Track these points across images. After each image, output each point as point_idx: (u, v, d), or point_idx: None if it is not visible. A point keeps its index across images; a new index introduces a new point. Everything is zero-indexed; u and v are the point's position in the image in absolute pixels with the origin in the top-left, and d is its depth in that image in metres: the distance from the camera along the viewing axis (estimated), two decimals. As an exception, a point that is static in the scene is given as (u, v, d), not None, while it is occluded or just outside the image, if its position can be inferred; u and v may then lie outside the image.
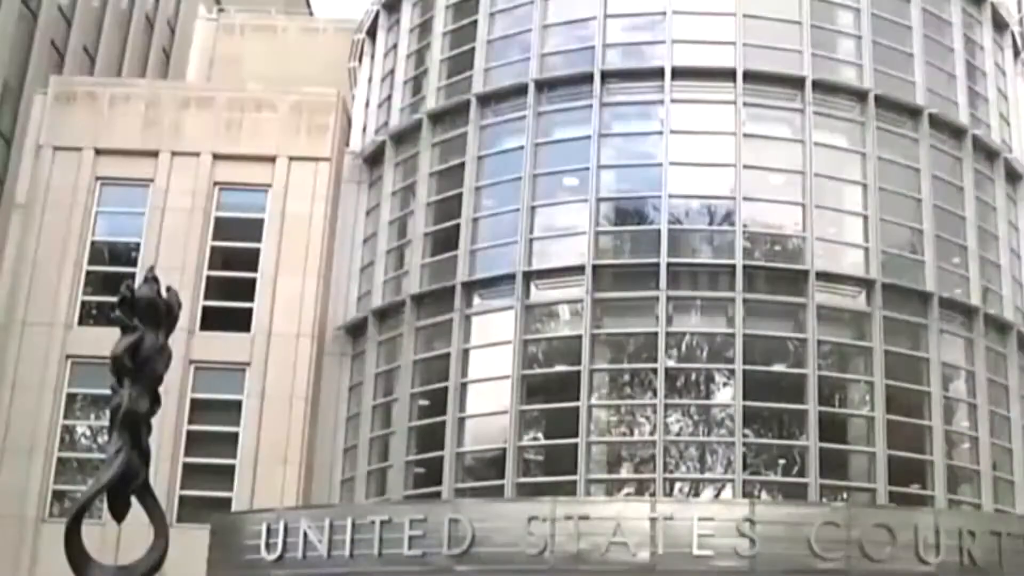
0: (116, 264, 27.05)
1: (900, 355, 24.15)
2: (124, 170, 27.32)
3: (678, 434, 23.24)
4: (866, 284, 24.21)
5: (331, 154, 27.55)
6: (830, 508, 20.54)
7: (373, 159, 28.41)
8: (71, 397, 25.93)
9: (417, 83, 28.24)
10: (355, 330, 27.10)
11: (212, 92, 28.70)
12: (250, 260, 26.87)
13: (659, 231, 23.80)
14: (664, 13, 25.40)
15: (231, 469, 25.37)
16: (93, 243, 26.99)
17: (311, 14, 47.45)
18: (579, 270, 23.85)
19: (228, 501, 25.05)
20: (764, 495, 22.86)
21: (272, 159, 27.32)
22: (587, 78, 25.09)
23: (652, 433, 22.77)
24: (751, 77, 24.71)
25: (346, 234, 27.85)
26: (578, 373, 23.09)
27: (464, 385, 24.32)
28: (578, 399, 22.89)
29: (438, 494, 23.31)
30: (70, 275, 26.40)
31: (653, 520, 18.79)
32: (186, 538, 21.10)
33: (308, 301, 26.40)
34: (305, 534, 20.11)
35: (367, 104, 29.95)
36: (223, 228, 27.17)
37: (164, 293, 12.41)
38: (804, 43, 25.28)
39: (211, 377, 26.12)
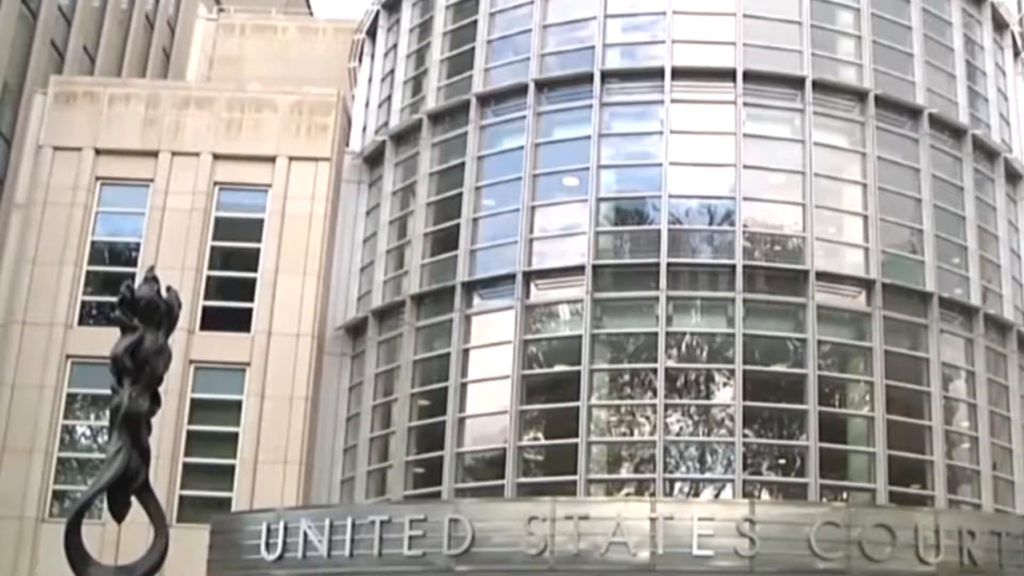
0: (116, 264, 27.05)
1: (900, 355, 24.16)
2: (124, 170, 27.33)
3: (678, 434, 23.24)
4: (866, 284, 24.21)
5: (331, 154, 27.55)
6: (830, 508, 20.54)
7: (373, 159, 28.42)
8: (71, 397, 25.93)
9: (417, 83, 28.24)
10: (355, 330, 27.10)
11: (212, 92, 28.70)
12: (250, 260, 26.88)
13: (659, 231, 23.80)
14: (664, 13, 25.40)
15: (231, 469, 25.38)
16: (93, 243, 26.99)
17: (311, 14, 47.49)
18: (579, 270, 23.85)
19: (228, 501, 25.05)
20: (764, 495, 22.86)
21: (272, 159, 27.33)
22: (587, 78, 25.10)
23: (652, 433, 22.78)
24: (751, 77, 24.71)
25: (346, 234, 27.85)
26: (578, 373, 23.10)
27: (464, 385, 24.32)
28: (578, 399, 22.89)
29: (438, 494, 23.31)
30: (70, 275, 26.40)
31: (653, 520, 18.79)
32: (186, 538, 21.14)
33: (308, 301, 26.40)
34: (305, 534, 20.11)
35: (367, 104, 29.95)
36: (223, 228, 27.17)
37: (164, 293, 12.42)
38: (804, 43, 25.28)
39: (211, 377, 26.13)
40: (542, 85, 25.58)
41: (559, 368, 24.06)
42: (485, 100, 26.19)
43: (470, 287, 24.95)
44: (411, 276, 25.88)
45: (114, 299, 12.46)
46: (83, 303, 26.51)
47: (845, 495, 23.24)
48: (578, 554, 18.75)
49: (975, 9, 28.50)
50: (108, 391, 12.36)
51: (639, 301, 24.00)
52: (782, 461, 23.35)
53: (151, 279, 12.39)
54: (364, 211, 28.16)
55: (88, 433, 26.57)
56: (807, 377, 23.03)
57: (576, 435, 22.66)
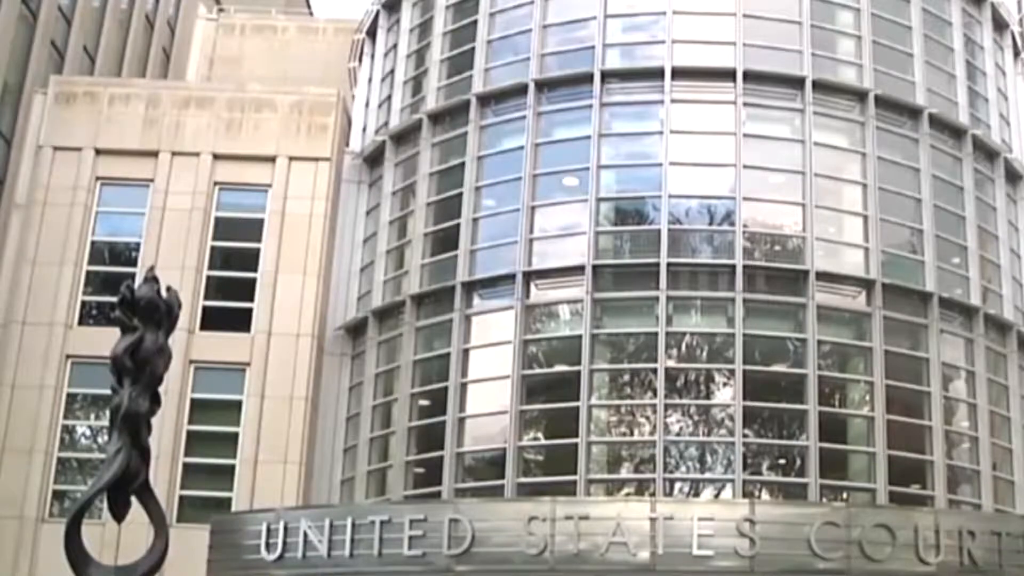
0: (116, 264, 27.05)
1: (900, 355, 24.16)
2: (124, 170, 27.33)
3: (678, 434, 23.24)
4: (866, 284, 24.22)
5: (331, 154, 27.55)
6: (830, 508, 20.54)
7: (373, 159, 28.42)
8: (71, 397, 25.93)
9: (417, 83, 28.25)
10: (355, 330, 27.10)
11: (212, 92, 28.70)
12: (250, 260, 26.88)
13: (659, 231, 23.81)
14: (664, 13, 25.41)
15: (231, 469, 25.37)
16: (93, 243, 26.99)
17: (311, 14, 47.51)
18: (579, 270, 23.86)
19: (228, 501, 25.05)
20: (764, 495, 22.86)
21: (272, 159, 27.33)
22: (587, 78, 25.10)
23: (652, 433, 22.78)
24: (751, 77, 24.72)
25: (346, 234, 27.85)
26: (578, 373, 23.10)
27: (464, 385, 24.32)
28: (578, 399, 22.90)
29: (438, 494, 23.31)
30: (70, 275, 26.40)
31: (653, 520, 18.78)
32: (186, 538, 21.14)
33: (308, 301, 26.40)
34: (305, 534, 20.11)
35: (367, 104, 29.96)
36: (223, 228, 27.17)
37: (164, 293, 12.42)
38: (804, 43, 25.29)
39: (211, 377, 26.13)
40: (542, 85, 25.58)
41: (559, 368, 24.06)
42: (485, 100, 26.19)
43: (470, 287, 24.96)
44: (411, 276, 25.88)
45: (114, 299, 12.45)
46: (83, 303, 26.51)
47: (845, 495, 23.25)
48: (578, 554, 18.75)
49: (975, 9, 28.50)
50: (108, 391, 12.36)
51: (639, 301, 24.00)
52: (782, 461, 23.35)
53: (151, 279, 12.39)
54: (364, 211, 28.17)
55: (88, 433, 26.57)
56: (807, 377, 23.04)
57: (576, 435, 22.66)
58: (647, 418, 23.21)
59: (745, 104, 24.61)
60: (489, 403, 24.09)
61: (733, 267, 23.45)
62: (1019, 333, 26.30)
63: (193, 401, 25.83)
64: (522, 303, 24.10)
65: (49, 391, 25.59)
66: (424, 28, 28.45)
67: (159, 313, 12.27)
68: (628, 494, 22.77)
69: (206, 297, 26.61)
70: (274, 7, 39.05)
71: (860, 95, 25.41)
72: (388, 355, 26.15)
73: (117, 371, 12.11)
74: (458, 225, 25.33)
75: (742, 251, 23.57)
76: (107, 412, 12.80)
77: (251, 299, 26.56)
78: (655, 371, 23.01)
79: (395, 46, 29.27)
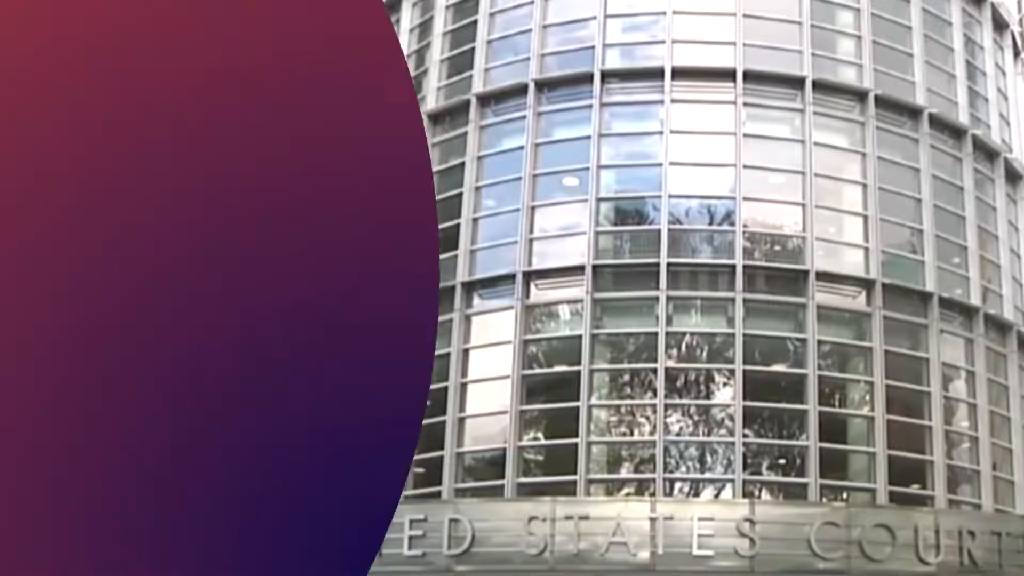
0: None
1: (900, 355, 24.18)
2: (124, 170, 27.34)
3: (678, 434, 23.26)
4: (866, 284, 24.24)
5: (331, 154, 27.53)
6: (830, 508, 20.58)
7: (373, 159, 28.40)
8: (71, 397, 25.94)
9: (417, 83, 28.23)
10: (355, 330, 27.08)
11: (212, 92, 28.70)
12: (250, 260, 26.87)
13: (659, 231, 23.83)
14: (664, 13, 25.43)
15: (231, 469, 25.37)
16: (93, 243, 27.00)
17: (311, 14, 47.54)
18: (579, 270, 23.87)
19: (228, 501, 25.04)
20: (764, 495, 22.88)
21: (272, 159, 27.32)
22: (587, 78, 25.12)
23: (652, 433, 22.80)
24: (751, 77, 24.74)
25: (346, 234, 27.83)
26: (578, 373, 23.12)
27: (464, 385, 24.34)
28: (578, 399, 22.91)
29: (438, 494, 23.32)
30: (70, 275, 26.41)
31: (653, 520, 18.83)
32: (186, 538, 21.13)
33: (308, 301, 26.37)
34: (305, 534, 20.09)
35: (367, 104, 29.95)
36: (223, 228, 27.16)
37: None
38: (804, 43, 25.30)
39: (211, 377, 26.12)
40: (542, 85, 25.60)
41: (559, 368, 24.08)
42: (485, 100, 26.20)
43: (470, 287, 24.97)
44: (411, 276, 25.86)
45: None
46: (83, 303, 26.53)
47: (845, 495, 23.26)
48: (578, 554, 18.78)
49: (975, 9, 28.52)
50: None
51: (639, 301, 24.02)
52: (782, 461, 23.36)
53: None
54: (364, 211, 28.16)
55: (88, 433, 26.57)
56: (807, 377, 23.05)
57: (576, 435, 22.67)
58: (647, 418, 23.22)
59: (745, 104, 24.62)
60: (489, 403, 24.11)
61: (733, 267, 23.47)
62: (1019, 333, 26.32)
63: (193, 401, 25.83)
64: (522, 303, 24.12)
65: (49, 391, 25.60)
66: (424, 28, 28.46)
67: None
68: (628, 494, 22.78)
69: (206, 297, 26.61)
70: (274, 7, 39.12)
71: (860, 95, 25.43)
72: (388, 355, 26.13)
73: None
74: (458, 225, 25.33)
75: (742, 251, 23.59)
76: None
77: (251, 299, 26.55)
78: (655, 371, 23.03)
79: (395, 46, 29.27)
